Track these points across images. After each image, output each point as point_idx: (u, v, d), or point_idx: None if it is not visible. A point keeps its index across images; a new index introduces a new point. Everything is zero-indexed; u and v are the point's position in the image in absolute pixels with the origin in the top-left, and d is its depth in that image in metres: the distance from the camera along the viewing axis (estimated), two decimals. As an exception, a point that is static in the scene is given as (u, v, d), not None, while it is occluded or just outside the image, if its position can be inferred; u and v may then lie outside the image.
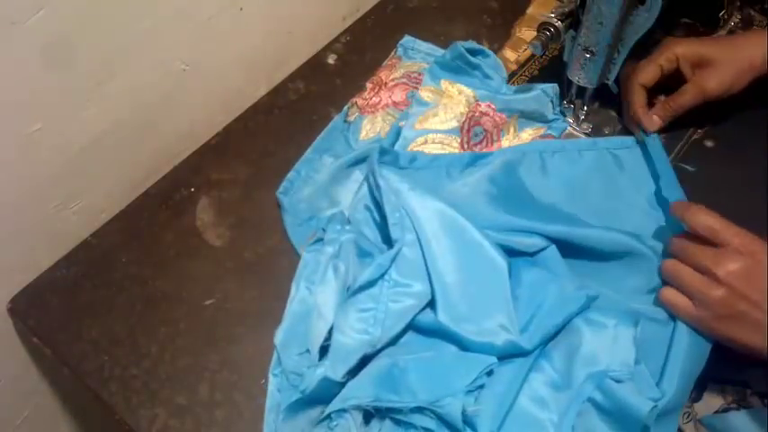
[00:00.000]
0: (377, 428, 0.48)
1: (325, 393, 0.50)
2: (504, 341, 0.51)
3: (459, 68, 0.69)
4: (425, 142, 0.65)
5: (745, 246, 0.51)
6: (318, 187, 0.65)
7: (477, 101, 0.67)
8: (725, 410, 0.53)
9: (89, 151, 0.61)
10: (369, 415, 0.49)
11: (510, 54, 0.76)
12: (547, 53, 0.72)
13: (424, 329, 0.54)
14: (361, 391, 0.48)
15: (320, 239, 0.58)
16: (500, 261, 0.54)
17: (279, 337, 0.54)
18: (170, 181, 0.68)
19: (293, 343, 0.54)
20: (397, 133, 0.65)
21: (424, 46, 0.75)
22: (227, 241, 0.64)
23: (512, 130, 0.67)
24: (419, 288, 0.53)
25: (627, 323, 0.53)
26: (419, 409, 0.48)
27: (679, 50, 0.64)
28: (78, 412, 0.80)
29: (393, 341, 0.52)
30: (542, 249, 0.57)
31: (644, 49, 0.68)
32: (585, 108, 0.68)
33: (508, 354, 0.51)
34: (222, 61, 0.70)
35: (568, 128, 0.68)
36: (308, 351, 0.53)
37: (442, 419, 0.48)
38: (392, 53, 0.76)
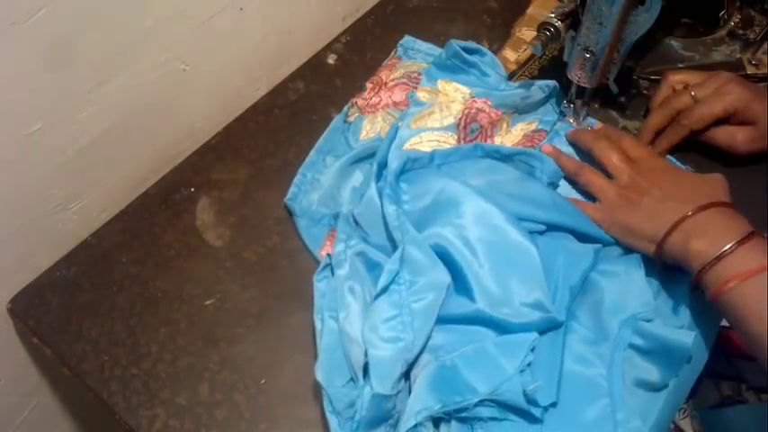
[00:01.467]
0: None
1: (380, 412, 0.49)
2: (540, 318, 0.52)
3: (455, 67, 0.69)
4: (421, 141, 0.65)
5: (636, 151, 0.60)
6: (325, 191, 0.65)
7: (473, 98, 0.67)
8: (720, 405, 0.54)
9: (89, 151, 0.61)
10: (436, 421, 0.49)
11: (510, 54, 0.76)
12: (547, 53, 0.72)
13: (463, 320, 0.54)
14: (426, 402, 0.48)
15: (327, 265, 0.58)
16: (529, 245, 0.55)
17: (319, 374, 0.52)
18: (170, 181, 0.68)
19: (335, 375, 0.52)
20: (396, 133, 0.65)
21: (424, 46, 0.75)
22: (227, 241, 0.64)
23: (504, 126, 0.67)
24: (433, 279, 0.53)
25: (634, 265, 0.56)
26: (480, 402, 0.49)
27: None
28: (78, 412, 0.80)
29: (427, 341, 0.52)
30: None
31: (644, 48, 0.68)
32: (585, 108, 0.68)
33: (546, 329, 0.53)
34: (222, 61, 0.70)
35: (559, 122, 0.68)
36: (351, 380, 0.52)
37: (504, 405, 0.49)
38: (392, 53, 0.76)
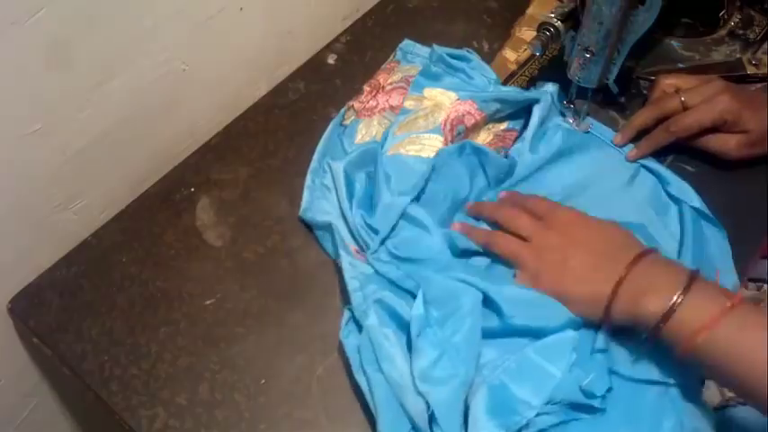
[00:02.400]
0: None
1: None
2: (571, 318, 0.52)
3: (441, 74, 0.69)
4: (403, 144, 0.64)
5: (541, 205, 0.58)
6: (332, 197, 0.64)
7: (458, 100, 0.67)
8: (724, 406, 0.54)
9: (89, 151, 0.61)
10: None
11: (510, 54, 0.76)
12: (547, 53, 0.72)
13: (499, 333, 0.53)
14: (489, 430, 0.48)
15: (350, 319, 0.57)
16: None
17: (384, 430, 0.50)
18: (170, 181, 0.68)
19: (399, 427, 0.51)
20: (386, 141, 0.65)
21: (424, 50, 0.75)
22: (227, 241, 0.64)
23: (482, 126, 0.68)
24: (462, 304, 0.53)
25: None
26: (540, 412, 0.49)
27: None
28: (78, 412, 0.80)
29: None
30: None
31: (644, 48, 0.68)
32: (585, 108, 0.68)
33: (579, 324, 0.53)
34: (222, 61, 0.70)
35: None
36: (413, 429, 0.50)
37: (564, 406, 0.49)
38: (391, 57, 0.76)
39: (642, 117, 0.66)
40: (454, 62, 0.70)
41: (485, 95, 0.67)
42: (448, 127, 0.65)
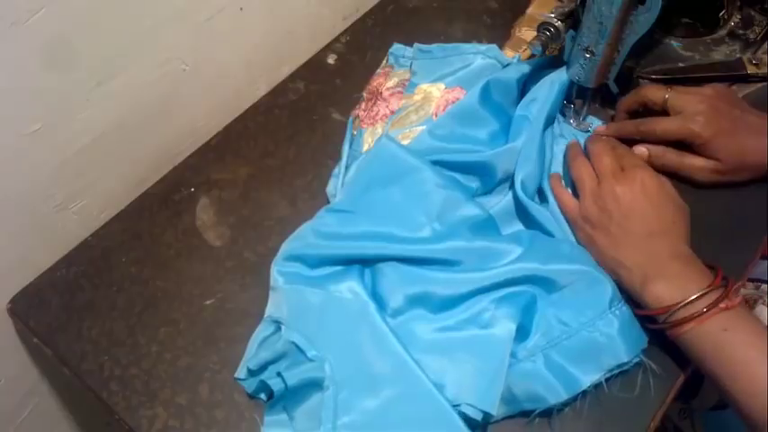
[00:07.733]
0: None
1: None
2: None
3: (428, 64, 0.70)
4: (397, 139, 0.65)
5: (633, 170, 0.57)
6: None
7: (446, 88, 0.67)
8: (721, 407, 0.54)
9: (89, 151, 0.61)
10: None
11: (510, 54, 0.76)
12: (547, 53, 0.72)
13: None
14: None
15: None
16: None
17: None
18: (170, 181, 0.68)
19: None
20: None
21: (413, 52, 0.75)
22: (227, 241, 0.64)
23: None
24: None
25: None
26: None
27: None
28: (78, 412, 0.80)
29: None
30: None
31: (644, 48, 0.68)
32: (585, 108, 0.68)
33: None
34: (222, 61, 0.70)
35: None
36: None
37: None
38: (383, 62, 0.76)
39: (626, 102, 0.66)
40: (430, 47, 0.71)
41: (468, 76, 0.67)
42: (438, 114, 0.66)
